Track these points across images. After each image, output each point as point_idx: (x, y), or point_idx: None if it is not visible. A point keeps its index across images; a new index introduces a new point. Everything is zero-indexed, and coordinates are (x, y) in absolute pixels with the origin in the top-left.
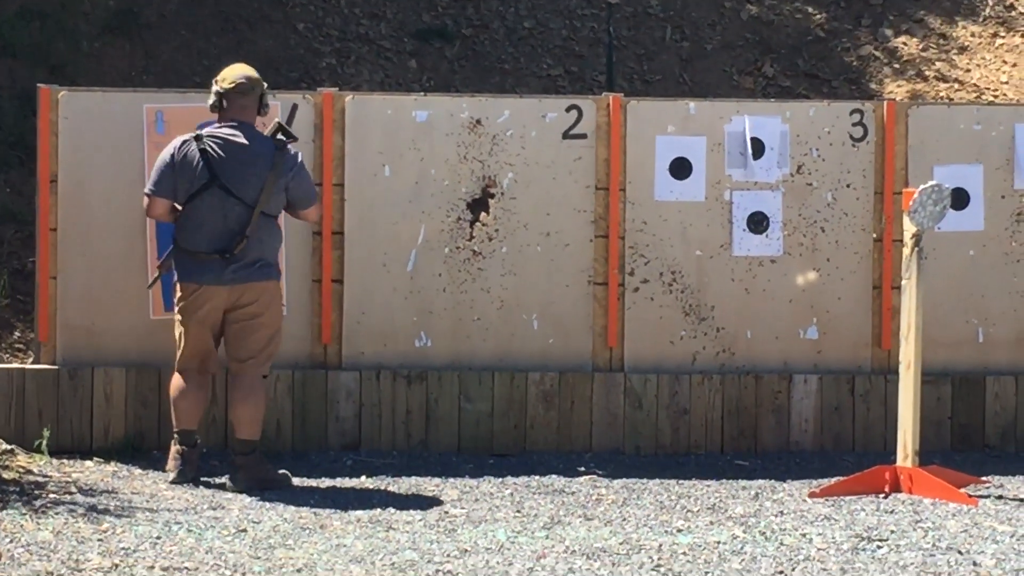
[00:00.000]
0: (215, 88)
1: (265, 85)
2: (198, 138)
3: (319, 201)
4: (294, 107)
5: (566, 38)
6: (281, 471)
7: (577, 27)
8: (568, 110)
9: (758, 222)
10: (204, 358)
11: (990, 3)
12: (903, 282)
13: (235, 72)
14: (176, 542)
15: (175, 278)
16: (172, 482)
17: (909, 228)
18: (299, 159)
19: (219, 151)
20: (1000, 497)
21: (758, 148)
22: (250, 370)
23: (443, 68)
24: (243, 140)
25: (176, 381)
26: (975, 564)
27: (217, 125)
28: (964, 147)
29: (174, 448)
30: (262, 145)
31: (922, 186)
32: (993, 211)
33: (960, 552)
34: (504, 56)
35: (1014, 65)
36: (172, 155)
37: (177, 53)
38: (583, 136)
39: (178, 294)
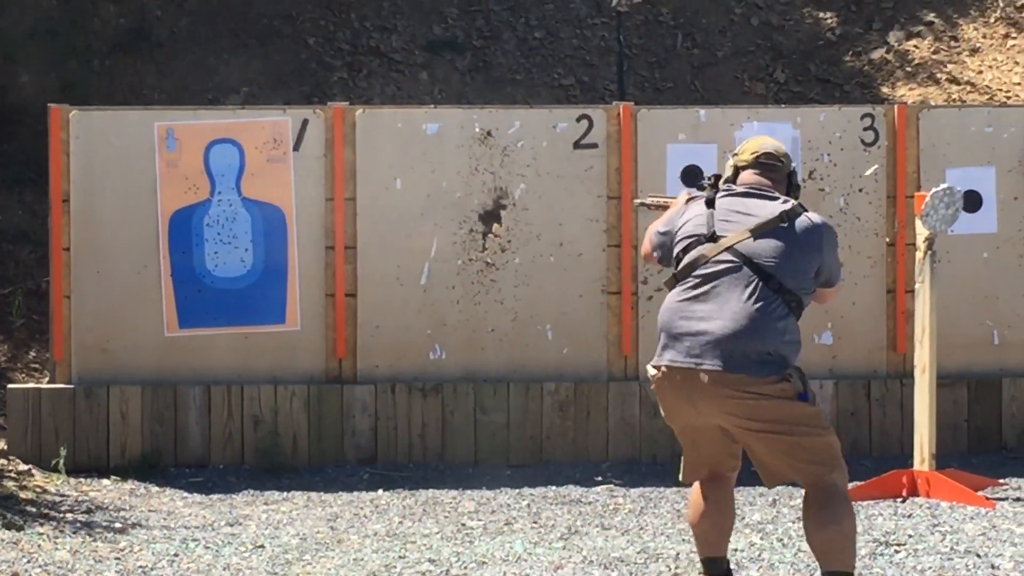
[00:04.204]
0: (729, 161)
1: (793, 165)
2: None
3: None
4: (305, 122)
5: (577, 47)
6: None
7: (588, 36)
8: (579, 120)
9: None
10: (714, 463)
11: (1000, 4)
12: (917, 286)
13: (757, 143)
14: (194, 559)
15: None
16: None
17: (922, 232)
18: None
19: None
20: (1018, 499)
21: None
22: (817, 482)
23: (455, 80)
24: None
25: (693, 497)
26: (993, 567)
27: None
28: (976, 149)
29: None
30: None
31: (934, 189)
32: (1006, 213)
33: (978, 555)
34: (515, 67)
35: None
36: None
37: (188, 70)
38: (594, 145)
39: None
